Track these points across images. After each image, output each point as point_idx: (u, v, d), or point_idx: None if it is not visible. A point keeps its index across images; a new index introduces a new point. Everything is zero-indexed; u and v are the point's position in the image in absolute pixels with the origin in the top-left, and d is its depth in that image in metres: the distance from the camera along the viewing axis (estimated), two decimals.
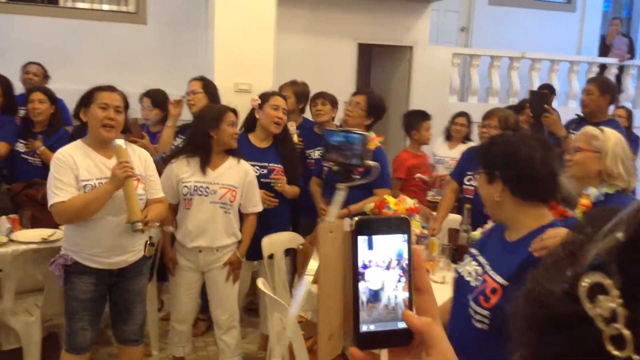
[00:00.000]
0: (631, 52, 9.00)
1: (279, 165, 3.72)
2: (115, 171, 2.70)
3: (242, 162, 3.38)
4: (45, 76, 5.28)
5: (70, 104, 3.15)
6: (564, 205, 2.21)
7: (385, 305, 0.68)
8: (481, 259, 1.84)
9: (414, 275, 0.70)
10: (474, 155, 1.92)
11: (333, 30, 6.96)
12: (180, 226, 3.35)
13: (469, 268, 1.85)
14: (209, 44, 5.43)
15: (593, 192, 2.39)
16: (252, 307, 4.37)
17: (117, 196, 2.76)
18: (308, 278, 1.46)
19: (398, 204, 3.38)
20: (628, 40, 9.20)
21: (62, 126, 4.31)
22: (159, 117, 4.49)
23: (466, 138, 5.13)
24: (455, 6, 9.19)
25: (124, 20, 7.19)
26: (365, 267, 0.67)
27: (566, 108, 7.47)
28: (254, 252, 3.59)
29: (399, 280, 0.69)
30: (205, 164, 3.27)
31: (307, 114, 4.70)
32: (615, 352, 0.44)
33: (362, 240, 0.67)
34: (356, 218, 0.67)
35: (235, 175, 3.32)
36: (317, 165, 4.08)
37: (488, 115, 3.73)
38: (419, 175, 4.48)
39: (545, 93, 4.74)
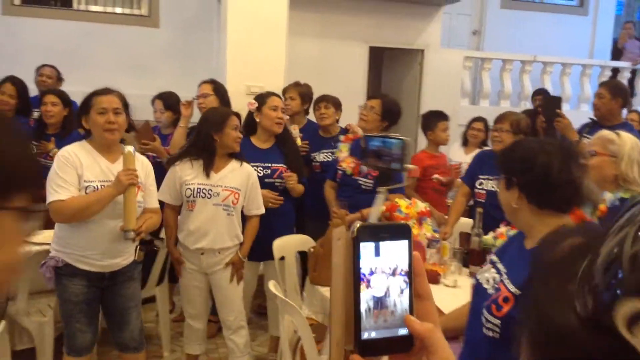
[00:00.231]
0: None
1: (282, 165, 3.73)
2: (120, 177, 2.72)
3: (245, 164, 3.39)
4: (59, 79, 5.32)
5: None
6: (585, 208, 2.19)
7: (388, 312, 0.68)
8: (500, 266, 1.82)
9: (414, 282, 0.70)
10: (496, 160, 1.88)
11: (344, 33, 6.97)
12: (182, 228, 3.37)
13: (488, 275, 1.83)
14: (221, 47, 5.46)
15: (609, 196, 2.38)
16: (262, 312, 4.38)
17: (118, 201, 2.78)
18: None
19: (409, 207, 3.38)
20: None
21: (75, 129, 4.34)
22: (170, 120, 4.52)
23: (483, 143, 5.07)
24: (467, 9, 9.18)
25: (136, 23, 7.24)
26: (372, 273, 0.67)
27: (578, 112, 7.44)
28: (258, 253, 3.61)
29: (402, 287, 0.69)
30: (208, 166, 3.29)
31: (310, 115, 4.70)
32: None
33: (366, 246, 0.67)
34: (358, 224, 0.68)
35: (238, 177, 3.34)
36: (331, 168, 4.09)
37: (500, 119, 3.72)
38: (436, 176, 4.47)
39: (557, 97, 4.72)
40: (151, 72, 6.73)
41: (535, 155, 1.71)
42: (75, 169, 2.77)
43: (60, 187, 2.74)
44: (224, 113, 3.41)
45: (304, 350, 2.63)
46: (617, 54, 9.24)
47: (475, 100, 8.40)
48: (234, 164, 3.36)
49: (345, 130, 4.31)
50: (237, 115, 3.43)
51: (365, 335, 0.67)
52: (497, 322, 1.65)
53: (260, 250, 3.57)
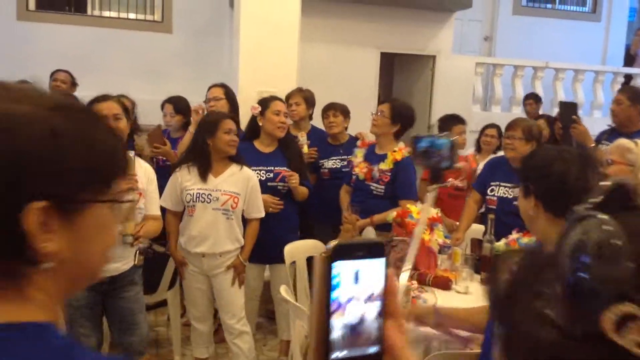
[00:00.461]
0: None
1: (285, 169, 3.75)
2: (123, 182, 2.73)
3: (245, 168, 3.41)
4: (73, 84, 5.37)
5: None
6: None
7: (362, 336, 0.68)
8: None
9: (386, 300, 0.69)
10: (512, 168, 1.87)
11: (356, 39, 6.98)
12: (184, 233, 3.40)
13: None
14: (233, 52, 5.49)
15: None
16: (271, 316, 4.38)
17: None
18: (404, 274, 1.48)
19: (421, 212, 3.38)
20: None
21: None
22: (180, 123, 4.55)
23: (496, 150, 5.06)
24: (478, 15, 9.18)
25: (150, 29, 7.30)
26: (349, 300, 0.67)
27: (591, 118, 7.40)
28: (262, 255, 3.63)
29: (377, 310, 0.69)
30: (205, 171, 3.31)
31: (315, 122, 4.70)
32: None
33: (344, 271, 0.66)
34: (333, 243, 0.67)
35: (238, 181, 3.36)
36: (347, 173, 4.09)
37: (511, 126, 3.70)
38: (450, 180, 4.46)
39: (574, 103, 4.70)
40: (164, 77, 6.78)
41: (551, 162, 1.70)
42: None
43: None
44: (217, 117, 3.43)
45: None
46: (629, 60, 9.19)
47: (486, 106, 8.38)
48: (233, 168, 3.38)
49: (354, 138, 4.32)
50: (233, 118, 3.44)
51: (334, 356, 0.66)
52: None
53: (263, 252, 3.60)
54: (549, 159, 1.73)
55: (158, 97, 4.77)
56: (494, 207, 3.65)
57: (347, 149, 4.24)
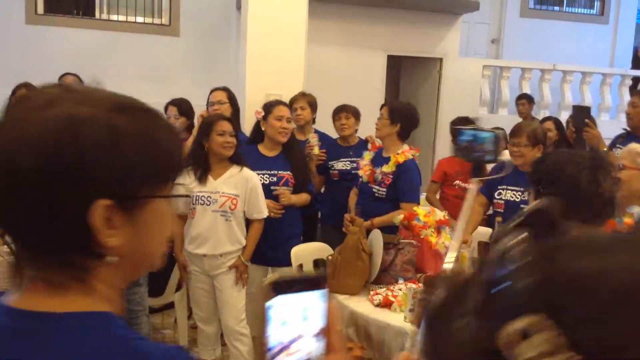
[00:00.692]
0: None
1: (288, 173, 3.75)
2: None
3: (245, 169, 3.41)
4: None
5: None
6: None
7: None
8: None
9: (327, 334, 0.70)
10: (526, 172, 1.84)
11: (363, 42, 6.99)
12: (186, 235, 3.43)
13: None
14: (240, 55, 5.50)
15: (637, 210, 2.33)
16: None
17: None
18: (446, 267, 1.48)
19: (428, 215, 3.37)
20: None
21: None
22: (185, 125, 4.58)
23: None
24: (485, 18, 9.17)
25: (157, 32, 7.33)
26: (293, 341, 0.67)
27: (599, 121, 7.33)
28: (264, 257, 3.64)
29: (318, 345, 0.69)
30: (203, 174, 3.34)
31: (322, 126, 4.71)
32: None
33: (289, 306, 0.66)
34: (271, 277, 0.68)
35: (236, 183, 3.37)
36: (357, 176, 4.09)
37: (515, 133, 3.68)
38: (457, 182, 4.45)
39: (587, 107, 4.68)
40: (171, 80, 6.80)
41: (563, 166, 1.69)
42: None
43: None
44: (211, 119, 3.45)
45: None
46: (637, 62, 9.15)
47: (494, 109, 8.36)
48: (233, 170, 3.40)
49: (364, 141, 4.32)
50: (230, 120, 3.45)
51: None
52: None
53: (266, 255, 3.62)
54: (560, 162, 1.71)
55: (165, 100, 4.78)
56: (502, 210, 3.64)
57: (356, 151, 4.24)
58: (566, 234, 0.61)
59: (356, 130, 4.51)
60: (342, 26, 6.89)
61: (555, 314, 0.49)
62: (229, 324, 3.46)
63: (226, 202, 3.33)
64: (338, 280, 3.07)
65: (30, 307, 0.74)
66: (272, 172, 3.76)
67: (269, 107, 3.80)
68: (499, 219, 3.35)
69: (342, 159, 4.37)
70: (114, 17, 7.35)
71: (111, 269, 0.76)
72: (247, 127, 4.63)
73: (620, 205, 2.16)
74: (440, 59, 7.46)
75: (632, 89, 7.82)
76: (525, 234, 0.60)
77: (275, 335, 0.67)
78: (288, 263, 3.55)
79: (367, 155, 3.91)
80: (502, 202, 3.68)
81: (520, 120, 6.84)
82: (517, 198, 3.58)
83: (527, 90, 7.98)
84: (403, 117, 3.73)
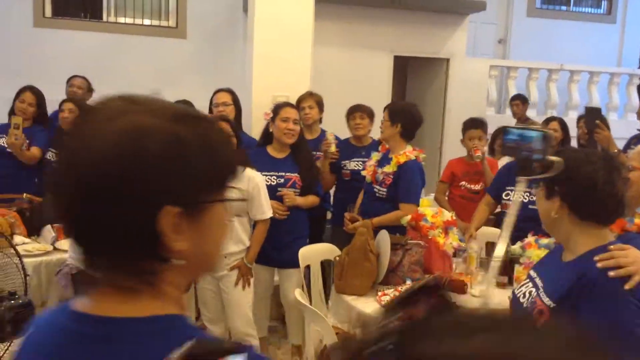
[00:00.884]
0: None
1: (296, 175, 3.76)
2: None
3: (248, 170, 3.40)
4: (90, 89, 5.41)
5: None
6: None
7: None
8: (538, 280, 1.79)
9: None
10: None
11: (369, 43, 6.99)
12: None
13: (524, 289, 1.81)
14: (247, 57, 5.52)
15: None
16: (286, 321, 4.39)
17: None
18: (495, 263, 1.47)
19: (435, 216, 3.37)
20: None
21: None
22: None
23: None
24: (492, 18, 9.15)
25: (164, 34, 7.36)
26: None
27: (607, 121, 7.34)
28: (271, 259, 3.64)
29: None
30: None
31: (328, 127, 4.70)
32: None
33: None
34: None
35: (239, 183, 3.36)
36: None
37: None
38: (463, 183, 4.45)
39: (598, 109, 4.67)
40: (178, 82, 6.82)
41: (579, 165, 1.67)
42: None
43: None
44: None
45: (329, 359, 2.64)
46: None
47: (501, 109, 8.35)
48: None
49: (377, 142, 4.32)
50: (227, 120, 3.45)
51: None
52: None
53: (271, 256, 3.63)
54: (576, 161, 1.69)
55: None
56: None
57: (369, 152, 4.24)
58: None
59: (369, 131, 4.51)
60: (349, 27, 6.90)
61: None
62: (236, 324, 3.47)
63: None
64: (345, 281, 3.07)
65: (101, 312, 0.77)
66: (279, 173, 3.76)
67: (276, 108, 3.81)
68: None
69: (355, 159, 4.38)
70: (121, 19, 7.38)
71: (177, 272, 0.80)
72: (254, 128, 4.64)
73: (630, 205, 2.15)
74: (447, 60, 7.45)
75: None
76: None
77: None
78: (294, 264, 3.55)
79: (375, 156, 3.91)
80: (511, 202, 3.67)
81: (514, 121, 6.86)
82: (525, 199, 3.57)
83: (534, 90, 7.96)
84: (402, 117, 3.71)
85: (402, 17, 7.04)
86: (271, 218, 3.51)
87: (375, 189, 3.75)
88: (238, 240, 3.42)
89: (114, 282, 0.78)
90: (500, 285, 3.07)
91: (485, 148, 4.42)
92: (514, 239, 3.24)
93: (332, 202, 4.55)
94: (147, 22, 7.47)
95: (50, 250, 3.43)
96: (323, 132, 4.56)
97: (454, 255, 3.34)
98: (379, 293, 2.97)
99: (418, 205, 3.58)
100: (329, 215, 4.67)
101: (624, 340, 1.51)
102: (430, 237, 3.27)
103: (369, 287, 3.08)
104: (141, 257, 0.77)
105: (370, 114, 4.45)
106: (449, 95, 7.52)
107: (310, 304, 3.22)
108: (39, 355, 0.80)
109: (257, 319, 3.59)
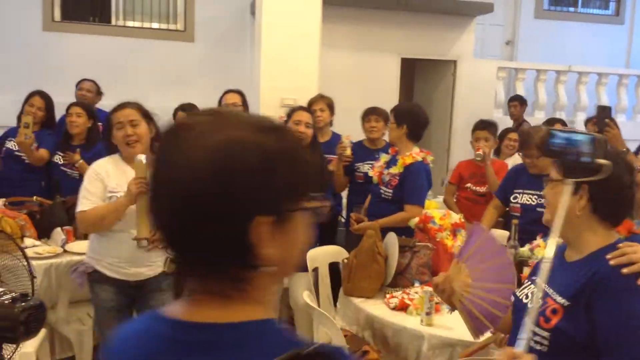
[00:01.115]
0: None
1: None
2: (130, 186, 2.73)
3: None
4: (98, 93, 5.45)
5: None
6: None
7: None
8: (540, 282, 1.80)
9: None
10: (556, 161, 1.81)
11: (376, 45, 6.99)
12: None
13: (526, 291, 1.81)
14: (255, 60, 5.54)
15: None
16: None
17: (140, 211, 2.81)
18: (545, 265, 1.48)
19: (443, 218, 3.37)
20: None
21: (100, 141, 4.45)
22: None
23: (518, 152, 5.06)
24: (500, 20, 9.13)
25: (173, 38, 7.40)
26: None
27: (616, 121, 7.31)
28: None
29: None
30: None
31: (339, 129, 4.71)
32: None
33: None
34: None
35: None
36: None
37: (525, 146, 3.65)
38: (469, 185, 4.45)
39: (608, 107, 4.67)
40: (187, 86, 6.85)
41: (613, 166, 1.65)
42: (101, 181, 2.83)
43: (84, 198, 2.82)
44: None
45: None
46: None
47: (509, 110, 8.33)
48: None
49: (390, 145, 4.32)
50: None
51: None
52: (546, 334, 1.64)
53: None
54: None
55: None
56: (518, 214, 3.62)
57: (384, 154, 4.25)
58: None
59: (384, 134, 4.51)
60: (356, 30, 6.90)
61: None
62: None
63: None
64: (354, 284, 3.08)
65: (196, 318, 0.80)
66: None
67: (291, 112, 3.82)
68: (515, 221, 3.34)
69: (368, 162, 4.37)
70: (130, 23, 7.43)
71: (266, 278, 0.83)
72: None
73: (638, 207, 2.15)
74: (455, 62, 7.44)
75: None
76: None
77: None
78: (303, 268, 3.55)
79: (383, 158, 3.91)
80: (519, 205, 3.66)
81: (511, 122, 6.84)
82: (533, 202, 3.56)
83: (542, 92, 7.94)
84: (408, 118, 3.69)
85: (410, 19, 7.04)
86: None
87: (381, 190, 3.75)
88: None
89: (207, 289, 0.82)
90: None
91: (488, 149, 4.41)
92: (522, 242, 3.24)
93: (344, 205, 4.55)
94: (155, 25, 7.51)
95: (60, 253, 3.44)
96: (334, 134, 4.57)
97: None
98: (387, 295, 2.97)
99: (423, 207, 3.57)
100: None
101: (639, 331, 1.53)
102: (438, 240, 3.27)
103: (377, 290, 3.08)
104: (233, 265, 0.80)
105: (385, 117, 4.44)
106: (457, 97, 7.52)
107: (319, 306, 3.23)
108: None
109: None
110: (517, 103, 6.87)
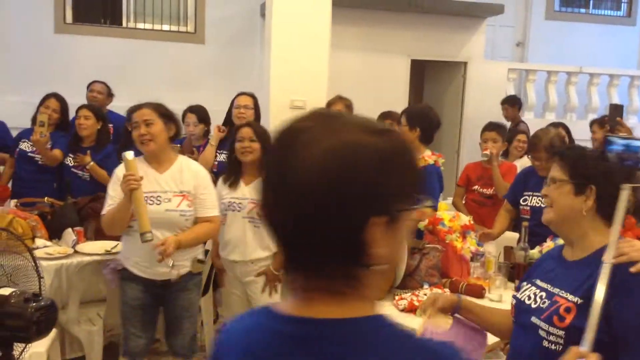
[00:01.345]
0: None
1: None
2: (120, 185, 2.78)
3: None
4: (109, 94, 5.47)
5: None
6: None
7: None
8: (540, 283, 1.81)
9: None
10: (561, 158, 1.84)
11: (386, 47, 6.99)
12: (220, 240, 3.45)
13: (528, 292, 1.82)
14: (264, 61, 5.55)
15: None
16: None
17: (157, 212, 2.85)
18: (605, 269, 1.50)
19: (453, 220, 3.36)
20: None
21: (110, 143, 4.47)
22: (203, 132, 4.65)
23: (525, 153, 5.04)
24: (510, 21, 9.10)
25: (183, 40, 7.43)
26: None
27: (627, 123, 7.27)
28: None
29: None
30: (235, 180, 3.36)
31: None
32: None
33: None
34: None
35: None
36: None
37: (534, 148, 3.64)
38: (476, 187, 4.44)
39: (620, 106, 4.65)
40: (197, 87, 6.88)
41: (614, 168, 1.73)
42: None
43: (107, 202, 2.91)
44: (237, 127, 3.48)
45: None
46: None
47: (519, 112, 8.29)
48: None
49: None
50: (250, 125, 3.46)
51: None
52: (561, 332, 1.65)
53: None
54: (612, 164, 1.75)
55: None
56: (528, 216, 3.61)
57: None
58: None
59: None
60: (365, 31, 6.91)
61: None
62: None
63: (254, 209, 3.33)
64: None
65: (309, 314, 0.83)
66: None
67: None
68: (525, 223, 3.33)
69: None
70: (141, 25, 7.47)
71: (376, 276, 0.85)
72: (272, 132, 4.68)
73: None
74: (465, 63, 7.43)
75: None
76: None
77: None
78: None
79: None
80: (528, 208, 3.66)
81: (531, 125, 6.78)
82: (543, 204, 3.55)
83: (553, 93, 7.90)
84: (421, 121, 3.69)
85: (419, 21, 7.03)
86: None
87: None
88: (265, 246, 3.40)
89: (319, 286, 0.84)
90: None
91: (496, 150, 4.39)
92: (532, 244, 3.23)
93: None
94: (166, 27, 7.55)
95: (71, 253, 3.46)
96: None
97: (472, 259, 3.32)
98: (396, 297, 2.96)
99: (436, 210, 3.56)
100: None
101: None
102: (447, 242, 3.26)
103: (385, 291, 3.07)
104: (347, 263, 0.82)
105: (398, 120, 4.45)
106: (467, 98, 7.50)
107: None
108: (255, 359, 0.86)
109: None
110: (507, 106, 6.79)
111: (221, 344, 0.95)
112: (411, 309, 2.83)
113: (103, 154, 4.31)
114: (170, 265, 2.88)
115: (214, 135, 4.35)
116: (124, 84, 6.04)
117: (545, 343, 1.68)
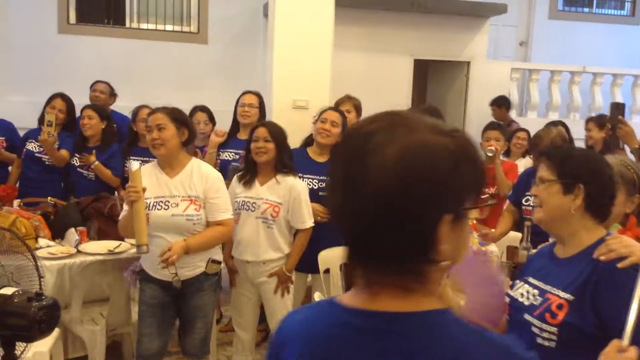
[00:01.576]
0: None
1: None
2: (122, 195, 2.84)
3: (289, 177, 3.36)
4: (112, 94, 5.48)
5: None
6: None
7: None
8: (532, 280, 1.83)
9: None
10: (551, 159, 1.88)
11: (389, 46, 6.99)
12: (233, 240, 3.44)
13: (521, 290, 1.85)
14: (267, 62, 5.55)
15: None
16: None
17: (164, 215, 2.89)
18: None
19: None
20: None
21: (115, 142, 4.48)
22: (211, 131, 4.65)
23: (526, 153, 5.04)
24: (513, 21, 9.09)
25: (186, 40, 7.45)
26: None
27: (631, 123, 7.24)
28: (305, 264, 3.61)
29: None
30: (250, 179, 3.36)
31: None
32: None
33: None
34: None
35: (280, 191, 3.34)
36: None
37: (536, 148, 3.65)
38: None
39: (621, 104, 4.64)
40: (200, 87, 6.89)
41: (602, 166, 1.78)
42: None
43: (123, 208, 2.97)
44: (252, 128, 3.48)
45: None
46: None
47: (522, 112, 8.29)
48: (279, 177, 3.37)
49: None
50: (265, 125, 3.45)
51: None
52: (554, 329, 1.67)
53: (307, 261, 3.57)
54: (599, 162, 1.79)
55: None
56: (530, 216, 3.60)
57: None
58: None
59: None
60: (368, 31, 6.90)
61: None
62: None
63: (268, 210, 3.32)
64: None
65: (376, 307, 0.85)
66: (320, 177, 3.72)
67: (321, 112, 3.82)
68: (527, 223, 3.32)
69: None
70: (144, 25, 7.48)
71: (441, 271, 0.88)
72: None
73: None
74: (468, 63, 7.42)
75: None
76: None
77: None
78: (314, 269, 3.55)
79: None
80: (531, 208, 3.65)
81: (533, 124, 6.76)
82: None
83: (556, 93, 7.89)
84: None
85: (422, 21, 7.03)
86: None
87: None
88: (277, 247, 3.39)
89: (387, 281, 0.86)
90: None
91: (499, 148, 4.39)
92: (534, 244, 3.22)
93: None
94: (169, 27, 7.57)
95: (73, 253, 3.47)
96: None
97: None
98: None
99: None
100: None
101: None
102: None
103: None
104: (415, 259, 0.85)
105: None
106: (470, 98, 7.49)
107: None
108: (319, 349, 0.88)
109: None
110: (495, 107, 6.76)
111: (281, 333, 0.98)
112: None
113: (108, 154, 4.33)
114: (172, 272, 2.91)
115: (212, 141, 4.31)
116: (128, 84, 6.06)
117: (539, 340, 1.70)
